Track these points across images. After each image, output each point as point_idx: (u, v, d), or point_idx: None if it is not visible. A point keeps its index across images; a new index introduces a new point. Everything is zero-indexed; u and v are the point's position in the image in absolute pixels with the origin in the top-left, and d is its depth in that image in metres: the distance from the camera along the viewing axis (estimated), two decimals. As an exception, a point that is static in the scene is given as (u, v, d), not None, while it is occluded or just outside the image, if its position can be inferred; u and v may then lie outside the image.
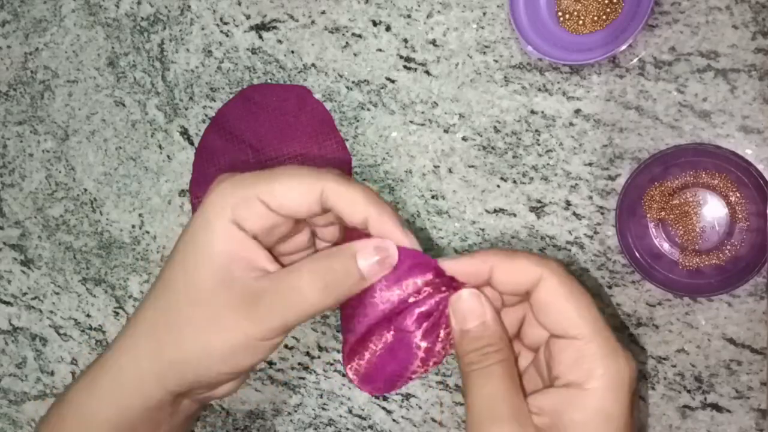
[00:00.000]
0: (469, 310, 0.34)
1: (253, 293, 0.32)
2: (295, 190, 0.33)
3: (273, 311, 0.32)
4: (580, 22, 0.59)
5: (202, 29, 0.70)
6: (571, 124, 0.60)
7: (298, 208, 0.33)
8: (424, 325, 0.34)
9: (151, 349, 0.33)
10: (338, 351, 0.68)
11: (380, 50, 0.65)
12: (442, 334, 0.35)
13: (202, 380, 0.34)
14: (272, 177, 0.33)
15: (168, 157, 0.72)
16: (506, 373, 0.33)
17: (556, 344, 0.33)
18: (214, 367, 0.33)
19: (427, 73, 0.63)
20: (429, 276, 0.34)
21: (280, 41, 0.68)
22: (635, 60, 0.58)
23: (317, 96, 0.67)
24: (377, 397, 0.67)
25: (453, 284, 0.35)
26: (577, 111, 0.59)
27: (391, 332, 0.34)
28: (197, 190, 0.71)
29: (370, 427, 0.67)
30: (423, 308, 0.34)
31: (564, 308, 0.32)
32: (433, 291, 0.34)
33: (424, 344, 0.34)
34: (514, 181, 0.61)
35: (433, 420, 0.65)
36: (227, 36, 0.69)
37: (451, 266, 0.34)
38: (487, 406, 0.32)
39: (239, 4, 0.69)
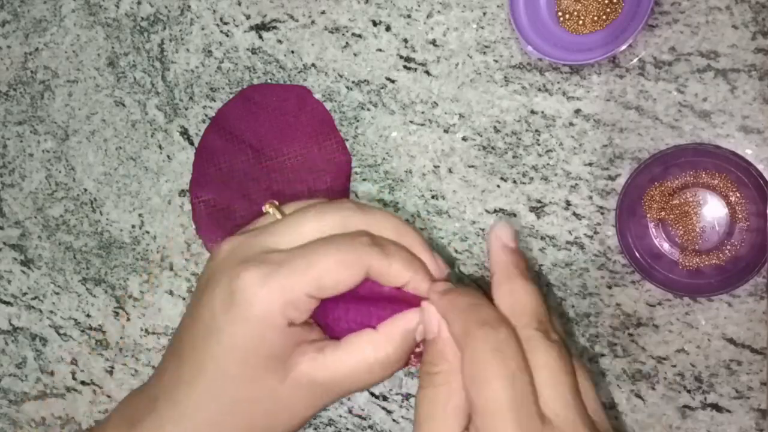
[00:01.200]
0: (426, 321, 0.33)
1: (319, 381, 0.33)
2: (341, 277, 0.32)
3: (336, 393, 0.33)
4: (580, 22, 0.59)
5: (202, 29, 0.70)
6: (571, 124, 0.60)
7: (345, 288, 0.33)
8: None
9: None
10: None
11: (380, 50, 0.65)
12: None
13: None
14: (313, 265, 0.32)
15: (168, 157, 0.72)
16: (438, 400, 0.31)
17: None
18: None
19: (427, 73, 0.63)
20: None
21: (280, 41, 0.68)
22: (635, 60, 0.58)
23: (317, 96, 0.67)
24: (377, 397, 0.67)
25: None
26: (577, 111, 0.59)
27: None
28: (197, 190, 0.71)
29: (370, 427, 0.67)
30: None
31: (471, 393, 0.30)
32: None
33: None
34: (514, 181, 0.61)
35: (433, 420, 0.65)
36: (227, 36, 0.69)
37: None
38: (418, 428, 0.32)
39: (239, 4, 0.69)
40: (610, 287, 0.59)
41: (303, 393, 0.33)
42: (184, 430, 0.33)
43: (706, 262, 0.56)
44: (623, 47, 0.55)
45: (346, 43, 0.65)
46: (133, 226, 0.74)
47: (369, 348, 0.33)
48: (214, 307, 0.32)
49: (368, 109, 0.65)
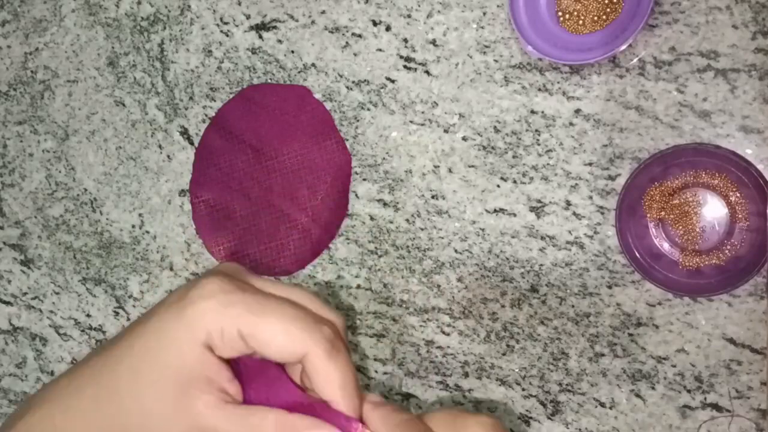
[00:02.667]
0: None
1: (203, 427, 0.31)
2: (280, 339, 0.31)
3: None
4: (580, 22, 0.59)
5: (202, 29, 0.70)
6: (571, 124, 0.60)
7: (274, 354, 0.31)
8: None
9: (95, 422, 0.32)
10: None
11: (380, 50, 0.65)
12: None
13: None
14: (262, 313, 0.31)
15: (168, 157, 0.72)
16: None
17: None
18: None
19: (427, 73, 0.63)
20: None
21: (280, 41, 0.68)
22: (635, 60, 0.58)
23: (317, 96, 0.67)
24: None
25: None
26: (577, 111, 0.59)
27: None
28: (197, 190, 0.71)
29: (370, 427, 0.67)
30: None
31: None
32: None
33: None
34: (514, 181, 0.61)
35: (433, 420, 0.65)
36: (227, 36, 0.69)
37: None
38: None
39: (239, 4, 0.69)
40: (610, 287, 0.59)
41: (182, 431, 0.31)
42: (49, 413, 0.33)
43: (706, 262, 0.56)
44: (623, 47, 0.55)
45: (346, 43, 0.65)
46: (133, 226, 0.74)
47: (271, 425, 0.31)
48: (166, 299, 0.33)
49: (368, 109, 0.65)
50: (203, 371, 0.31)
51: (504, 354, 0.63)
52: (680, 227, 0.57)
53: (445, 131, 0.63)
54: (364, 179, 0.66)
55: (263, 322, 0.31)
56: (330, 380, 0.31)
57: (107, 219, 0.74)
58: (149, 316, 0.32)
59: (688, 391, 0.58)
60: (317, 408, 0.32)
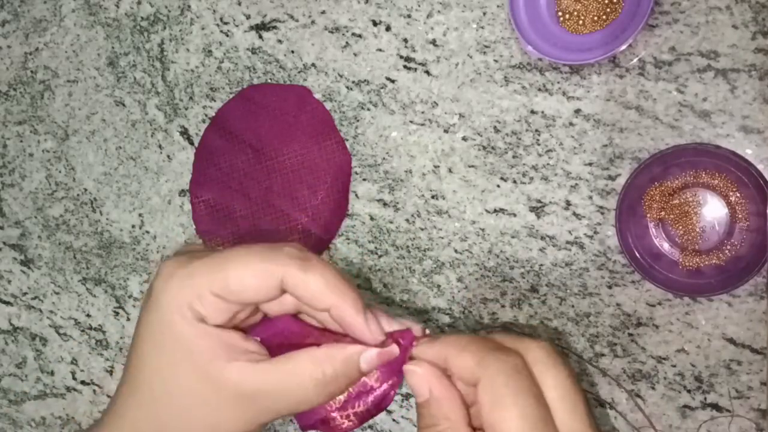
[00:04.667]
0: (413, 384, 0.32)
1: (248, 391, 0.31)
2: (250, 279, 0.31)
3: (270, 410, 0.31)
4: (580, 21, 0.59)
5: (202, 29, 0.70)
6: (571, 124, 0.60)
7: (255, 297, 0.31)
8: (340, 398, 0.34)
9: None
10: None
11: (380, 50, 0.65)
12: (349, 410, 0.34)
13: None
14: (224, 266, 0.31)
15: (168, 157, 0.72)
16: None
17: None
18: None
19: (427, 73, 0.63)
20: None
21: (280, 41, 0.68)
22: (635, 60, 0.58)
23: (317, 96, 0.67)
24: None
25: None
26: (577, 111, 0.59)
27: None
28: (197, 190, 0.71)
29: (370, 427, 0.67)
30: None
31: (490, 418, 0.29)
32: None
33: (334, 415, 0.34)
34: (514, 181, 0.61)
35: (433, 420, 0.65)
36: (227, 36, 0.69)
37: (415, 353, 0.33)
38: None
39: (239, 4, 0.69)
40: (610, 287, 0.59)
41: (229, 405, 0.31)
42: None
43: (706, 262, 0.56)
44: (623, 47, 0.55)
45: (346, 43, 0.65)
46: (133, 226, 0.74)
47: (307, 363, 0.31)
48: (142, 304, 0.33)
49: (368, 109, 0.65)
50: (214, 343, 0.31)
51: (504, 354, 0.63)
52: (680, 227, 0.57)
53: (445, 131, 0.63)
54: (364, 179, 0.66)
55: (228, 273, 0.31)
56: (315, 287, 0.31)
57: (107, 219, 0.74)
58: (136, 333, 0.32)
59: (688, 391, 0.58)
60: (339, 337, 0.33)
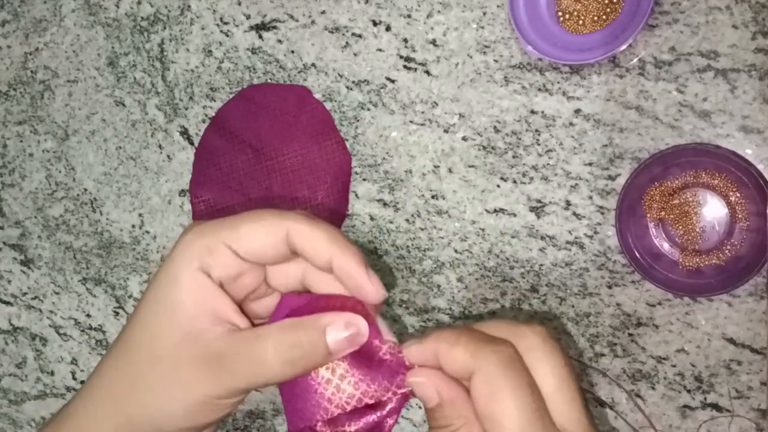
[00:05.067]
0: (421, 392, 0.32)
1: (217, 353, 0.31)
2: (260, 232, 0.32)
3: (235, 376, 0.31)
4: (580, 22, 0.59)
5: (202, 29, 0.70)
6: (571, 124, 0.60)
7: (264, 250, 0.32)
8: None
9: (112, 408, 0.33)
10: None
11: (380, 50, 0.65)
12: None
13: None
14: (237, 221, 0.32)
15: (168, 157, 0.72)
16: None
17: None
18: (174, 425, 0.32)
19: (427, 73, 0.63)
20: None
21: (280, 41, 0.68)
22: (635, 60, 0.58)
23: (317, 96, 0.67)
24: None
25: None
26: (577, 111, 0.59)
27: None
28: (197, 190, 0.71)
29: (370, 427, 0.67)
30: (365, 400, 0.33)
31: (486, 410, 0.29)
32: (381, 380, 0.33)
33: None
34: (514, 181, 0.61)
35: (433, 420, 0.65)
36: (227, 36, 0.69)
37: (405, 354, 0.33)
38: None
39: (239, 4, 0.69)
40: (610, 287, 0.59)
41: (200, 365, 0.31)
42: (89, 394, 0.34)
43: (706, 262, 0.56)
44: (623, 47, 0.55)
45: (346, 43, 0.65)
46: (133, 226, 0.74)
47: (273, 329, 0.32)
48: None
49: (368, 109, 0.65)
50: (207, 302, 0.32)
51: (504, 354, 0.63)
52: (680, 227, 0.57)
53: (445, 131, 0.63)
54: (364, 179, 0.66)
55: (241, 228, 0.32)
56: (319, 239, 0.32)
57: (107, 219, 0.74)
58: (149, 283, 0.34)
59: (688, 391, 0.58)
60: (332, 300, 0.33)
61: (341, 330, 0.32)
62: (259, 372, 0.31)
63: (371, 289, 0.33)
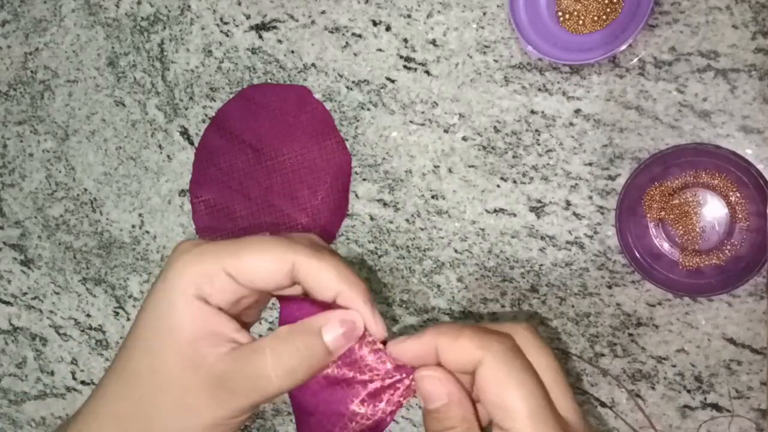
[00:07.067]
0: (430, 390, 0.32)
1: (220, 376, 0.31)
2: (264, 264, 0.31)
3: (240, 395, 0.31)
4: (580, 22, 0.59)
5: (202, 29, 0.70)
6: (571, 124, 0.60)
7: (266, 282, 0.32)
8: (363, 394, 0.33)
9: (116, 431, 0.32)
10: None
11: (380, 50, 0.65)
12: (382, 404, 0.33)
13: None
14: (240, 248, 0.31)
15: (168, 157, 0.72)
16: None
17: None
18: None
19: (427, 73, 0.63)
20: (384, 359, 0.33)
21: (280, 41, 0.68)
22: (635, 60, 0.58)
23: (317, 96, 0.67)
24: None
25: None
26: (577, 111, 0.59)
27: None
28: (197, 190, 0.71)
29: (370, 427, 0.67)
30: (370, 386, 0.33)
31: (498, 398, 0.29)
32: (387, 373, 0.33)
33: (362, 410, 0.33)
34: (514, 181, 0.61)
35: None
36: (227, 36, 0.69)
37: (397, 352, 0.33)
38: None
39: (239, 4, 0.69)
40: (610, 287, 0.59)
41: (204, 388, 0.31)
42: (95, 412, 0.33)
43: (706, 262, 0.56)
44: (623, 47, 0.55)
45: (346, 43, 0.65)
46: (133, 226, 0.74)
47: (270, 340, 0.31)
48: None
49: (368, 109, 0.65)
50: (206, 325, 0.31)
51: (504, 354, 0.63)
52: (680, 227, 0.57)
53: (445, 131, 0.63)
54: (364, 179, 0.66)
55: (243, 254, 0.31)
56: (326, 275, 0.32)
57: (107, 219, 0.74)
58: (144, 304, 0.33)
59: (688, 391, 0.58)
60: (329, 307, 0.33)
61: (337, 328, 0.32)
62: (261, 387, 0.31)
63: (374, 330, 0.33)
